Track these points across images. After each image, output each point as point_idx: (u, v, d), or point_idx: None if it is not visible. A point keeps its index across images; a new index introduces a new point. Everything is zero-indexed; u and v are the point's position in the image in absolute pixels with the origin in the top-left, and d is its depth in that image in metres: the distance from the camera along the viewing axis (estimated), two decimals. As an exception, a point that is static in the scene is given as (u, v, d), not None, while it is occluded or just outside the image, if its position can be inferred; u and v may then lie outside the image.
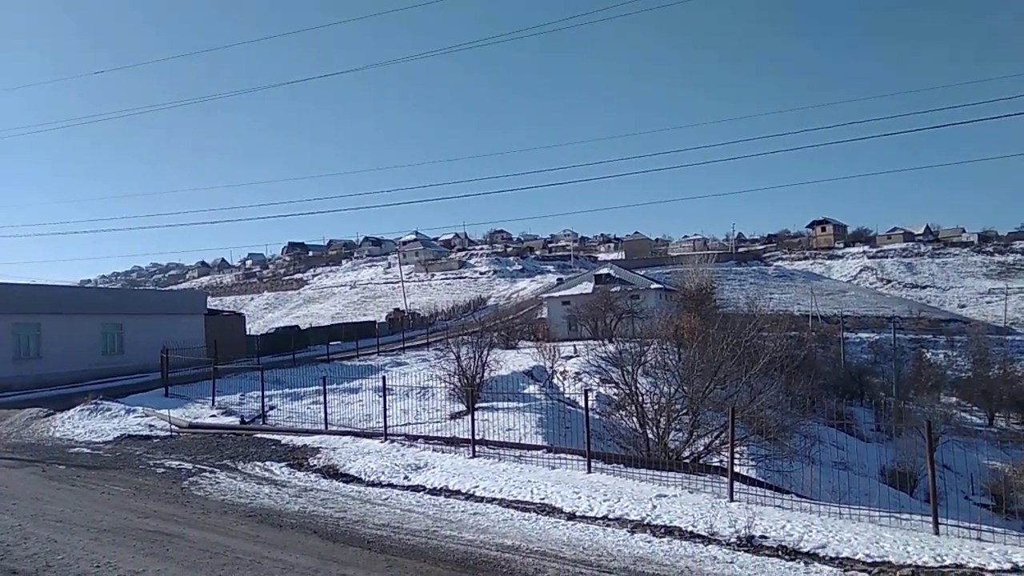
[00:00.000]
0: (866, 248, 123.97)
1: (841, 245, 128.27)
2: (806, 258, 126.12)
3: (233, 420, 20.32)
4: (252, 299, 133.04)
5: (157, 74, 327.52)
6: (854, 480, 19.57)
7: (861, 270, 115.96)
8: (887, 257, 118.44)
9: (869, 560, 7.57)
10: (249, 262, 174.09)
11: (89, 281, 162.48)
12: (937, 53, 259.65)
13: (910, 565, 7.41)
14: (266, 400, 22.40)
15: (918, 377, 52.87)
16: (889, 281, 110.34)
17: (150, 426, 18.90)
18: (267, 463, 13.71)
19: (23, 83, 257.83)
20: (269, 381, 24.06)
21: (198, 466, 13.50)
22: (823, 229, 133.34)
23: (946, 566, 7.33)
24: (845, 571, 7.41)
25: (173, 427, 18.82)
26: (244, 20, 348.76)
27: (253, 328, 71.33)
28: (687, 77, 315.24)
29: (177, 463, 13.84)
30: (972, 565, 7.28)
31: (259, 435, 17.59)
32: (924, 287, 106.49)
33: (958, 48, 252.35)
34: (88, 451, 15.59)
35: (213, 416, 20.93)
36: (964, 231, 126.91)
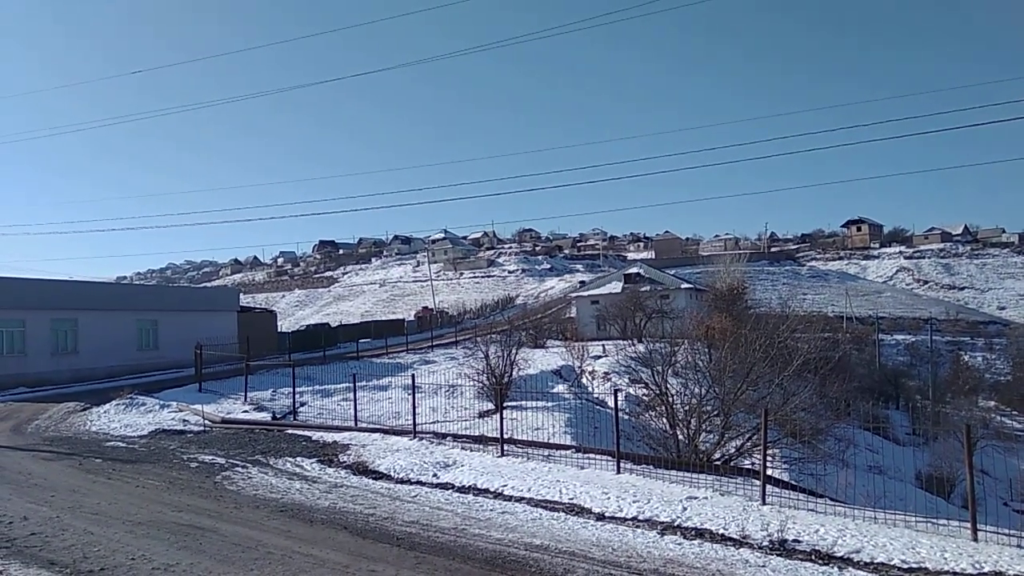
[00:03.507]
0: (902, 248, 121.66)
1: (877, 245, 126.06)
2: (841, 258, 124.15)
3: (265, 416, 20.55)
4: (283, 296, 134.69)
5: (195, 71, 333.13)
6: (889, 484, 19.21)
7: (897, 271, 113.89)
8: (924, 257, 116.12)
9: (905, 566, 7.42)
10: (281, 260, 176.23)
11: (125, 278, 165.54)
12: (975, 50, 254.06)
13: (947, 572, 7.25)
14: (297, 397, 22.64)
15: (955, 380, 51.71)
16: (926, 282, 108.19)
17: (184, 421, 19.23)
18: (298, 459, 13.84)
19: (73, 80, 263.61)
20: (300, 378, 24.30)
21: (231, 461, 13.66)
22: (858, 229, 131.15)
23: (985, 574, 7.16)
24: (880, 577, 7.26)
25: (206, 422, 19.10)
26: (276, 19, 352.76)
27: (284, 325, 72.19)
28: (718, 76, 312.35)
29: (210, 458, 14.03)
30: (1012, 573, 7.10)
31: (290, 431, 17.78)
32: (962, 288, 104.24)
33: (996, 46, 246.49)
34: (123, 445, 15.87)
35: (245, 412, 21.18)
36: (1004, 231, 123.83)
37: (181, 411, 20.55)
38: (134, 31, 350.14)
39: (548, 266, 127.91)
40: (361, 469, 12.91)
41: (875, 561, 7.59)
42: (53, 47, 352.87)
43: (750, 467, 14.51)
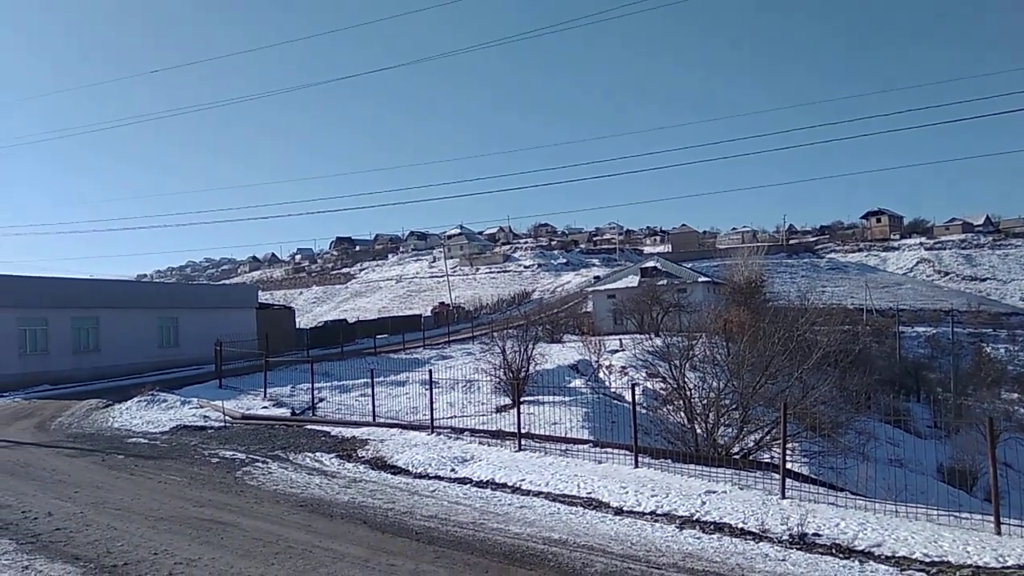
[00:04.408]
0: (923, 239, 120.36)
1: (897, 236, 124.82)
2: (860, 250, 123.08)
3: (284, 411, 20.69)
4: (301, 293, 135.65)
5: (213, 70, 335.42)
6: (910, 478, 19.00)
7: (918, 262, 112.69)
8: (945, 248, 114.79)
9: (927, 560, 7.33)
10: (298, 257, 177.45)
11: (145, 276, 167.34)
12: (996, 38, 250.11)
13: (970, 565, 7.16)
14: (316, 392, 22.77)
15: (977, 372, 51.22)
16: (947, 273, 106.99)
17: (204, 417, 19.40)
18: (317, 454, 13.93)
19: (84, 81, 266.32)
20: (318, 374, 24.44)
21: (251, 456, 13.78)
22: (878, 220, 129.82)
23: (1008, 567, 7.06)
24: (902, 571, 7.18)
25: (227, 418, 19.27)
26: (289, 17, 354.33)
27: (302, 321, 72.50)
28: (735, 70, 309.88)
29: (231, 453, 14.15)
30: (1037, 567, 7.01)
31: (309, 426, 17.89)
32: (984, 279, 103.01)
33: (1017, 33, 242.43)
34: (145, 441, 16.05)
35: (265, 407, 21.34)
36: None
37: (201, 407, 20.74)
38: (142, 35, 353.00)
39: (564, 261, 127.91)
40: (380, 464, 12.97)
41: (896, 555, 7.52)
42: (61, 49, 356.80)
43: (769, 461, 14.44)
